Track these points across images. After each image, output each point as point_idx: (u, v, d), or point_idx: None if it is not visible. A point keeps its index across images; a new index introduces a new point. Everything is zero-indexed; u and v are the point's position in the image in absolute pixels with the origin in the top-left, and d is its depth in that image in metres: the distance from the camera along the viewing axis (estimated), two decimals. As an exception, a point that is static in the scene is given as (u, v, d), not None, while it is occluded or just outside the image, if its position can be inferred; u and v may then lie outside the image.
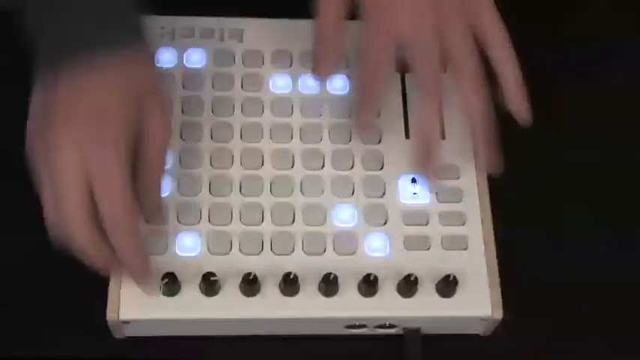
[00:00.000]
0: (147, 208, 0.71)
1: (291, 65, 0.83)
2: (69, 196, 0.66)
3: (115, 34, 0.69)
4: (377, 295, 0.74)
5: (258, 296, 0.74)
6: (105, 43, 0.68)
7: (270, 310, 0.74)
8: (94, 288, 0.73)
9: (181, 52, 0.82)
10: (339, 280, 0.73)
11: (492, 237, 0.77)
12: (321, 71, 0.77)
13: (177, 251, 0.74)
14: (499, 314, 0.75)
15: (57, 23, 0.68)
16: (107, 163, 0.66)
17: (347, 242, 0.76)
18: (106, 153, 0.66)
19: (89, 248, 0.68)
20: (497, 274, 0.76)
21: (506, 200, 0.80)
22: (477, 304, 0.75)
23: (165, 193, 0.75)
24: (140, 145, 0.69)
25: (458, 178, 0.79)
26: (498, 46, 0.74)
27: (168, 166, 0.76)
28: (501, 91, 0.75)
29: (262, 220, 0.76)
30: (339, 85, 0.82)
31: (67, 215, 0.67)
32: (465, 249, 0.77)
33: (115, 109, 0.67)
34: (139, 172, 0.69)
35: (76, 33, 0.68)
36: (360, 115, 0.78)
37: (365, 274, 0.73)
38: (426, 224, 0.77)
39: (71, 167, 0.66)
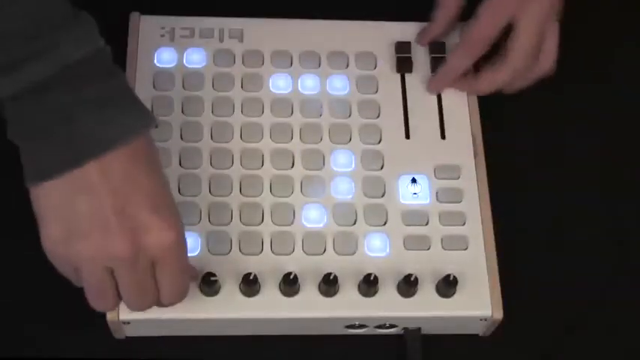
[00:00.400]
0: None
1: (291, 65, 0.83)
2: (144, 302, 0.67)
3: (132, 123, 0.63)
4: (377, 295, 0.74)
5: (258, 296, 0.74)
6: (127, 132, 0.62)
7: (270, 310, 0.74)
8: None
9: (181, 52, 0.82)
10: (339, 280, 0.73)
11: (492, 237, 0.77)
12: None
13: (177, 251, 0.75)
14: (499, 314, 0.75)
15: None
16: (167, 249, 0.64)
17: (347, 242, 0.76)
18: (166, 241, 0.64)
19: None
20: (497, 274, 0.76)
21: (506, 200, 0.80)
22: (477, 304, 0.75)
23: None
24: None
25: (458, 178, 0.79)
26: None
27: (168, 167, 0.77)
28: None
29: (262, 220, 0.76)
30: (339, 85, 0.82)
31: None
32: (465, 249, 0.77)
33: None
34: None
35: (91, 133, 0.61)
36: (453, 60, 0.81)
37: (365, 274, 0.73)
38: (426, 224, 0.77)
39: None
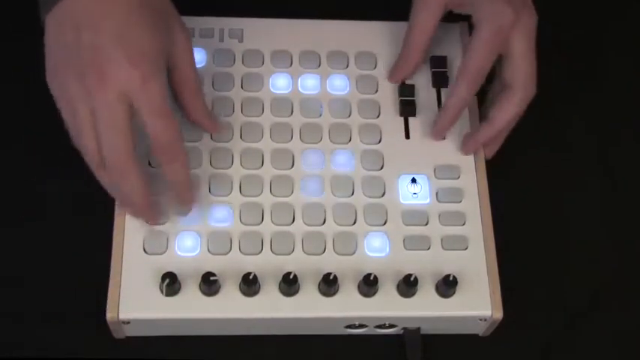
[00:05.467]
0: (197, 118, 0.76)
1: (291, 65, 0.83)
2: (121, 138, 0.68)
3: None
4: (377, 295, 0.74)
5: (257, 296, 0.74)
6: None
7: (270, 310, 0.74)
8: (95, 288, 0.73)
9: (181, 52, 0.82)
10: (339, 280, 0.73)
11: (492, 237, 0.77)
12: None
13: (177, 251, 0.75)
14: (499, 314, 0.75)
15: None
16: (155, 97, 0.68)
17: (347, 242, 0.76)
18: (153, 88, 0.68)
19: (143, 187, 0.70)
20: (497, 274, 0.76)
21: (506, 200, 0.80)
22: (477, 304, 0.75)
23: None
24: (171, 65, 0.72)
25: (458, 178, 0.79)
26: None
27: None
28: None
29: (262, 220, 0.76)
30: (339, 85, 0.82)
31: (118, 157, 0.68)
32: (465, 249, 0.77)
33: (149, 42, 0.69)
34: (181, 95, 0.74)
35: None
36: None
37: (365, 274, 0.73)
38: (426, 224, 0.77)
39: (118, 109, 0.67)
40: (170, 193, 0.74)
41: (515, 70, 0.77)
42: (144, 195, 0.71)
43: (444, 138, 0.80)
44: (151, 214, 0.74)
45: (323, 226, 0.76)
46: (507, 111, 0.78)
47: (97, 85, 0.67)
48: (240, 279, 0.73)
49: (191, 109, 0.76)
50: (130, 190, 0.70)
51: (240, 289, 0.73)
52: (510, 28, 0.75)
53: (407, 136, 0.81)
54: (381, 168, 0.79)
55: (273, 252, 0.75)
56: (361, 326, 0.76)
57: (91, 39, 0.67)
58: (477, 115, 0.81)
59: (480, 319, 0.75)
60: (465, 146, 0.79)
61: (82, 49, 0.67)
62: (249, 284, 0.73)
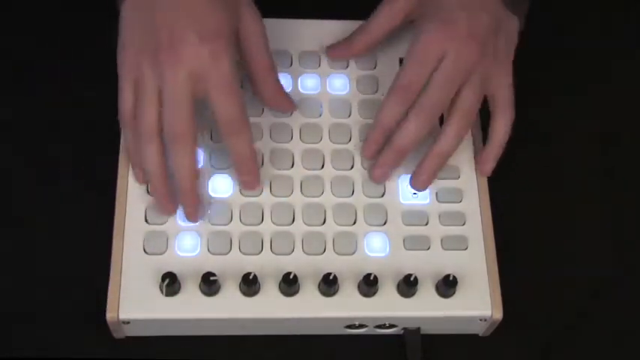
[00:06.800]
0: (270, 95, 0.77)
1: (291, 65, 0.83)
2: (185, 113, 0.70)
3: None
4: (377, 295, 0.74)
5: (257, 296, 0.74)
6: None
7: (270, 310, 0.74)
8: (95, 288, 0.73)
9: (181, 52, 0.82)
10: (339, 280, 0.73)
11: (492, 237, 0.77)
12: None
13: (177, 251, 0.75)
14: (499, 314, 0.75)
15: None
16: (225, 74, 0.70)
17: (347, 242, 0.76)
18: (223, 64, 0.70)
19: (194, 163, 0.72)
20: (497, 274, 0.76)
21: (506, 200, 0.80)
22: (477, 304, 0.75)
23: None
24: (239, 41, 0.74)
25: (458, 178, 0.79)
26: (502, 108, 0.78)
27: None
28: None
29: (262, 220, 0.76)
30: (339, 85, 0.82)
31: (180, 129, 0.71)
32: (465, 249, 0.77)
33: (219, 20, 0.71)
34: (251, 71, 0.76)
35: None
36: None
37: (365, 274, 0.73)
38: (426, 224, 0.77)
39: (187, 85, 0.70)
40: (235, 167, 0.75)
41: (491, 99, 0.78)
42: (193, 171, 0.73)
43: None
44: (192, 195, 0.74)
45: (323, 226, 0.76)
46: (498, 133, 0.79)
47: (168, 62, 0.70)
48: (240, 279, 0.73)
49: (262, 87, 0.77)
50: (181, 164, 0.72)
51: (240, 289, 0.73)
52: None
53: (407, 136, 0.81)
54: (381, 168, 0.79)
55: (273, 252, 0.75)
56: (361, 326, 0.76)
57: (164, 18, 0.70)
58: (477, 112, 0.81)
59: (480, 319, 0.75)
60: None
61: (156, 28, 0.70)
62: (249, 284, 0.72)
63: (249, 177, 0.76)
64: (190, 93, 0.70)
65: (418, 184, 0.77)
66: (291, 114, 0.80)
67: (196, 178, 0.74)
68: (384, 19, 0.79)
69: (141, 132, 0.72)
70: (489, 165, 0.79)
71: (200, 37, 0.70)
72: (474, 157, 0.80)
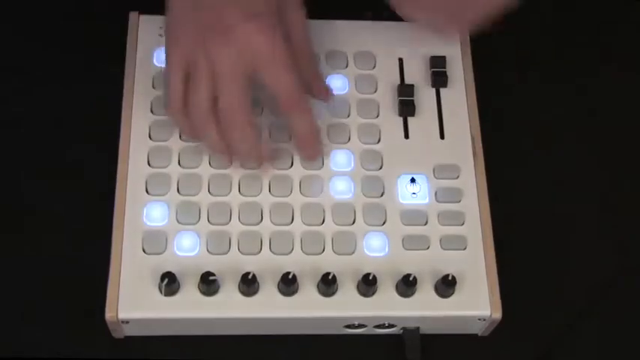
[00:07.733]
0: (312, 83, 0.77)
1: (290, 65, 0.83)
2: (240, 90, 0.72)
3: None
4: (376, 294, 0.74)
5: (257, 296, 0.74)
6: None
7: (269, 309, 0.74)
8: (94, 288, 0.73)
9: (181, 53, 0.82)
10: (338, 280, 0.73)
11: (492, 237, 0.77)
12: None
13: (176, 251, 0.75)
14: (498, 314, 0.75)
15: None
16: (277, 50, 0.71)
17: (346, 242, 0.76)
18: (273, 41, 0.71)
19: (254, 137, 0.74)
20: (496, 274, 0.76)
21: (505, 200, 0.80)
22: (476, 304, 0.75)
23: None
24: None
25: (457, 177, 0.79)
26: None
27: (167, 166, 0.77)
28: None
29: (261, 220, 0.76)
30: (339, 85, 0.82)
31: (237, 107, 0.72)
32: (464, 249, 0.77)
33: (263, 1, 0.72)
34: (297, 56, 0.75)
35: None
36: None
37: (364, 273, 0.73)
38: (425, 224, 0.77)
39: (240, 63, 0.71)
40: (297, 142, 0.76)
41: None
42: (254, 143, 0.74)
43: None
44: (258, 161, 0.76)
45: (322, 226, 0.76)
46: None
47: (220, 42, 0.71)
48: (239, 279, 0.73)
49: (305, 73, 0.76)
50: (241, 139, 0.73)
51: (240, 289, 0.74)
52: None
53: (406, 136, 0.81)
54: (380, 168, 0.79)
55: (272, 252, 0.75)
56: (360, 326, 0.76)
57: (211, 3, 0.72)
58: (477, 112, 0.82)
59: (479, 319, 0.75)
60: None
61: (204, 9, 0.72)
62: (248, 284, 0.73)
63: (312, 151, 0.77)
64: (244, 70, 0.71)
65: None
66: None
67: (259, 148, 0.75)
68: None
69: (196, 117, 0.73)
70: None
71: (246, 15, 0.71)
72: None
